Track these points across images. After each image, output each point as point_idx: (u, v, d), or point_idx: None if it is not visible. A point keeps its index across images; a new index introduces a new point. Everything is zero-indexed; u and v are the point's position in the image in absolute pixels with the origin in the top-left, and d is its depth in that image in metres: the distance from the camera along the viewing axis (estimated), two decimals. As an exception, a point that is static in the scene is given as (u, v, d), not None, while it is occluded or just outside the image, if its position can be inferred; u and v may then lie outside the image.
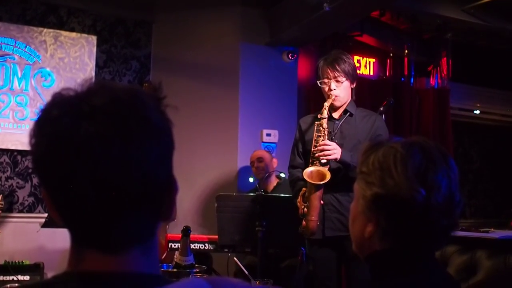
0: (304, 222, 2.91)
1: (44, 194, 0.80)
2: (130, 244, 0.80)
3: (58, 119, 0.76)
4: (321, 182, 2.86)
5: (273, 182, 4.47)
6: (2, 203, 4.12)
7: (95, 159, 0.74)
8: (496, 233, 2.95)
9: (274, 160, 4.58)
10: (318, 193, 2.88)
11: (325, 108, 2.96)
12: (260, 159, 4.51)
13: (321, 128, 2.95)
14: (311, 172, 2.90)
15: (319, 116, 2.98)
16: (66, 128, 0.74)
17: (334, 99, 3.01)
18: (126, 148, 0.75)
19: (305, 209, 2.90)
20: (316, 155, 2.92)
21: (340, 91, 3.02)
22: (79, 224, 0.79)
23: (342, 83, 3.02)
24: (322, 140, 2.93)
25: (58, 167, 0.75)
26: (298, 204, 2.96)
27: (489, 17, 5.00)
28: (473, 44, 6.03)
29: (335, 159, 2.90)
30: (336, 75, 3.01)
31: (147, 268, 0.81)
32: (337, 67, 3.01)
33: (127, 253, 0.79)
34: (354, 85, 3.11)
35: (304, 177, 2.89)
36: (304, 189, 2.96)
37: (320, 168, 2.90)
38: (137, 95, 0.80)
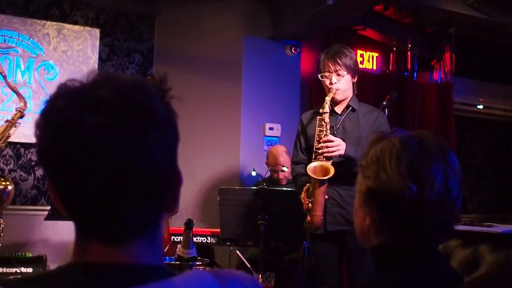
0: (308, 218, 2.91)
1: (49, 185, 0.81)
2: (134, 235, 0.80)
3: (64, 110, 0.76)
4: (325, 177, 2.85)
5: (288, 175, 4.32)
6: (5, 195, 4.12)
7: (100, 150, 0.74)
8: (499, 228, 2.95)
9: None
10: (322, 188, 2.88)
11: (326, 103, 2.96)
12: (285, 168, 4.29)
13: (323, 123, 2.95)
14: (315, 167, 2.89)
15: (320, 110, 2.98)
16: (71, 119, 0.74)
17: (335, 92, 3.00)
18: (130, 139, 0.75)
19: (310, 204, 2.90)
20: (320, 151, 2.91)
21: (341, 84, 3.02)
22: (84, 215, 0.79)
23: (343, 76, 3.01)
24: (324, 135, 2.92)
25: (63, 158, 0.75)
26: (303, 199, 2.96)
27: (493, 11, 4.97)
28: (477, 39, 5.99)
29: (339, 156, 2.89)
30: (337, 68, 3.00)
31: (151, 259, 0.81)
32: (338, 60, 3.00)
33: (131, 245, 0.79)
34: (356, 79, 3.10)
35: (308, 172, 2.89)
36: (308, 184, 2.95)
37: (324, 163, 2.89)
38: (142, 86, 0.80)
